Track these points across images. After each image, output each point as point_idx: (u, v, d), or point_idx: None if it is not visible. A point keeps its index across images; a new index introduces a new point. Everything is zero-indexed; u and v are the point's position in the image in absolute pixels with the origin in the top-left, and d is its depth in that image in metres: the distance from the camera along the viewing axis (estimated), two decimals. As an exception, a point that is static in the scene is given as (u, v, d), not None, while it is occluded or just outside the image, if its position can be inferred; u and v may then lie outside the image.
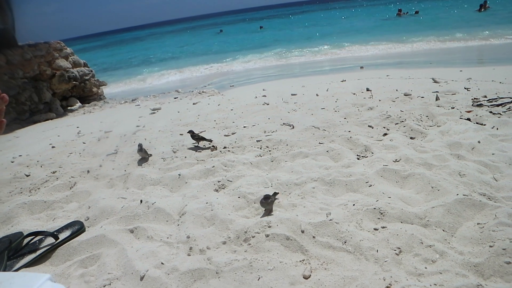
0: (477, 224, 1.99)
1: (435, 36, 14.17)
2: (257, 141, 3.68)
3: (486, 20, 16.70)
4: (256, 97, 6.16)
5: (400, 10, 26.35)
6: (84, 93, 9.37)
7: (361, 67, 9.88)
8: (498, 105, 4.03)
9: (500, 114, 3.76)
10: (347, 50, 13.83)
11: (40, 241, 2.23)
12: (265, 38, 23.91)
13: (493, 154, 2.84)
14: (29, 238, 2.23)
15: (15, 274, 1.25)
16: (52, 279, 1.26)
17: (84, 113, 8.14)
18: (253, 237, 2.03)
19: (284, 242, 1.96)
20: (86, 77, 9.16)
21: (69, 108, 8.80)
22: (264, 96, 6.23)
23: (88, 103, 9.31)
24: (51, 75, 8.21)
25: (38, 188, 3.21)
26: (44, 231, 2.28)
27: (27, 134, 6.13)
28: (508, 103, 4.04)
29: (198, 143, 3.80)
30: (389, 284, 1.61)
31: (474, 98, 4.43)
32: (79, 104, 9.10)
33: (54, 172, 3.54)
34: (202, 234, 2.12)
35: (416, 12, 25.80)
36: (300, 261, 1.84)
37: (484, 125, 3.53)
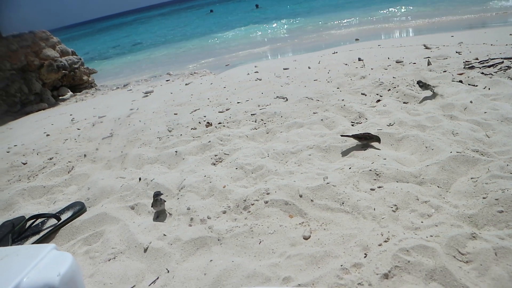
0: (471, 178, 2.03)
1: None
2: (251, 115, 3.68)
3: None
4: (248, 74, 6.12)
5: None
6: (74, 81, 9.27)
7: (357, 39, 9.75)
8: (489, 66, 4.03)
9: (492, 74, 3.77)
10: (338, 23, 13.66)
11: (43, 223, 2.26)
12: (253, 16, 23.51)
13: (485, 112, 2.86)
14: (32, 221, 2.25)
15: (20, 247, 1.28)
16: (57, 248, 1.29)
17: (76, 101, 8.07)
18: (252, 204, 2.06)
19: (283, 207, 1.99)
20: (75, 66, 9.04)
21: (60, 97, 8.71)
22: (257, 72, 6.19)
23: (80, 92, 9.22)
24: (39, 65, 8.09)
25: (36, 175, 3.22)
26: (45, 213, 2.30)
27: (20, 125, 6.09)
28: (499, 63, 4.04)
29: None
30: (387, 239, 1.66)
31: (466, 61, 4.43)
32: (70, 93, 9.01)
33: (50, 159, 3.54)
34: (202, 205, 2.15)
35: None
36: (300, 223, 1.88)
37: (476, 86, 3.54)
